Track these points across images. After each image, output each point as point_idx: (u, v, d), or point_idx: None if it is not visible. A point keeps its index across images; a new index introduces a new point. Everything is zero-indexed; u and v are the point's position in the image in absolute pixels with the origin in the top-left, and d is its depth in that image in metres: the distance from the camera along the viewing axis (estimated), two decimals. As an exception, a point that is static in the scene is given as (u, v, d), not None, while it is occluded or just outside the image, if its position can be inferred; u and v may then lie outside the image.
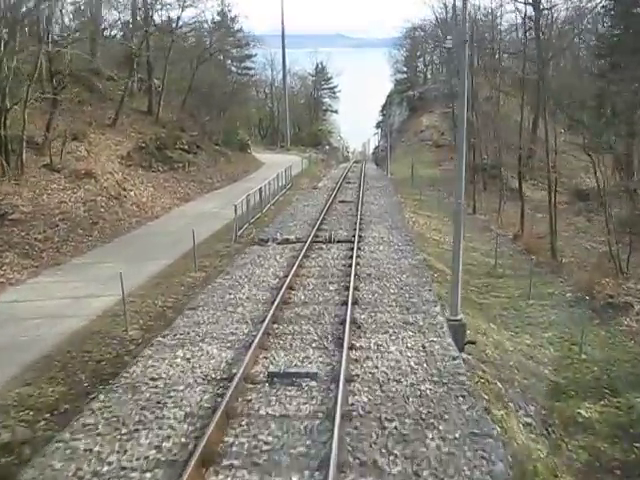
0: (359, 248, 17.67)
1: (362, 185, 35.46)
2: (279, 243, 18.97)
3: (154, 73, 38.10)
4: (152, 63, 36.18)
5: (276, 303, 11.97)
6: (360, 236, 19.54)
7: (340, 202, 28.33)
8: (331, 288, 13.64)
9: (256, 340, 9.99)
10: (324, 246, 18.22)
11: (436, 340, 10.44)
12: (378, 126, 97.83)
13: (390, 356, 9.68)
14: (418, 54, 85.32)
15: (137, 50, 33.27)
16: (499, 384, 11.94)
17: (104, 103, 34.78)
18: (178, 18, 36.25)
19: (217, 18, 51.22)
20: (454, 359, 9.62)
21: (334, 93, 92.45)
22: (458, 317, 12.59)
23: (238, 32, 51.65)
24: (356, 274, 14.56)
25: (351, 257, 16.29)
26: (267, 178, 31.97)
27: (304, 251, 16.99)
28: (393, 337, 10.53)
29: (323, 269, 15.44)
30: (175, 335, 10.93)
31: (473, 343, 12.60)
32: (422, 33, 78.55)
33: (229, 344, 10.32)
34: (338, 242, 18.75)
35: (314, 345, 10.17)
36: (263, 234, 21.22)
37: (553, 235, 27.07)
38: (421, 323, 11.33)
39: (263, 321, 11.03)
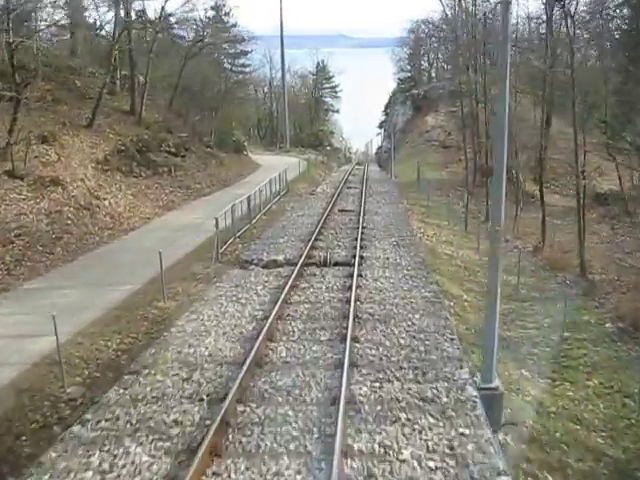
0: (360, 274, 14.39)
1: (364, 190, 32.20)
2: (264, 266, 15.72)
3: (138, 69, 34.82)
4: (135, 58, 32.90)
5: (246, 367, 8.70)
6: (361, 257, 16.27)
7: (340, 211, 25.07)
8: (322, 338, 10.35)
9: (207, 438, 6.74)
10: (317, 271, 14.95)
11: (469, 433, 7.16)
12: (381, 126, 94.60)
13: (402, 470, 6.41)
14: (422, 52, 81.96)
15: (116, 43, 30.01)
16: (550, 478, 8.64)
17: (82, 102, 31.54)
18: (162, 8, 32.94)
19: (210, 12, 48.05)
20: (498, 474, 6.37)
21: (335, 92, 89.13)
22: (493, 384, 9.28)
23: (233, 27, 48.47)
24: (355, 315, 11.29)
25: (350, 288, 13.02)
26: (262, 182, 28.84)
27: (292, 278, 13.73)
28: (406, 429, 7.24)
29: (314, 307, 12.15)
30: (99, 423, 7.67)
31: (514, 424, 9.34)
32: (427, 29, 75.33)
33: (169, 444, 7.04)
34: (335, 265, 15.50)
35: (292, 448, 6.88)
36: (248, 253, 18.01)
37: (581, 248, 23.70)
38: (445, 399, 8.04)
39: (224, 399, 7.78)
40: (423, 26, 74.46)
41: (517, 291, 20.28)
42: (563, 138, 46.40)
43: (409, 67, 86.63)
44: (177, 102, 38.53)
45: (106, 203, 25.03)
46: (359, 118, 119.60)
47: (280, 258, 16.26)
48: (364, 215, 23.54)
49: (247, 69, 54.64)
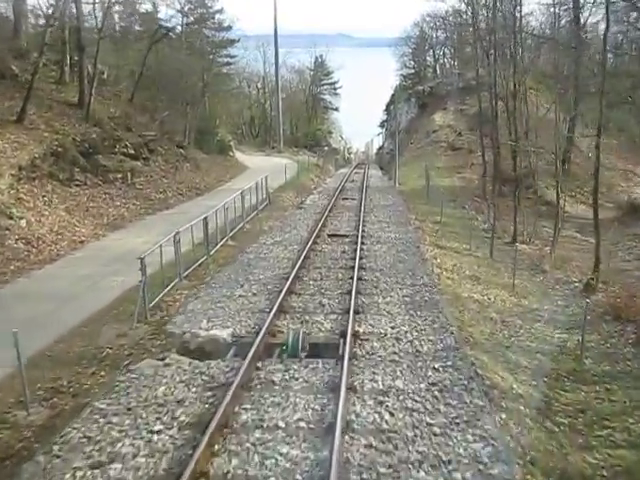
0: (352, 388, 7.95)
1: (363, 202, 25.89)
2: (195, 357, 9.30)
3: (93, 55, 28.37)
4: (83, 40, 26.42)
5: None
6: (356, 336, 9.87)
7: (331, 237, 18.67)
8: None
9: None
10: (280, 374, 8.51)
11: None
12: (382, 125, 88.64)
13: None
14: (427, 47, 75.46)
15: (52, 18, 23.56)
16: None
17: (19, 92, 25.14)
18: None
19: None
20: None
21: (335, 89, 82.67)
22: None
23: (217, 13, 42.10)
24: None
25: (331, 429, 6.70)
26: (243, 189, 22.71)
27: (230, 395, 7.37)
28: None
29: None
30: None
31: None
32: (433, 22, 68.90)
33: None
34: (312, 357, 9.10)
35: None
36: (182, 317, 11.65)
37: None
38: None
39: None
40: (429, 19, 68.18)
41: (578, 363, 13.81)
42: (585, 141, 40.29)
43: (413, 63, 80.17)
44: (144, 95, 32.08)
45: (22, 223, 18.62)
46: (360, 117, 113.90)
47: (223, 336, 9.82)
48: (362, 244, 17.17)
49: (233, 60, 48.12)
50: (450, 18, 60.68)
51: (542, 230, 29.38)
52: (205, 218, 17.27)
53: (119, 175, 25.24)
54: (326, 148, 68.06)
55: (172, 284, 14.42)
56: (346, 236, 18.50)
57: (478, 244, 23.55)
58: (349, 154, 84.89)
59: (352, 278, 13.10)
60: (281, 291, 12.04)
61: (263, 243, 18.09)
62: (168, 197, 26.82)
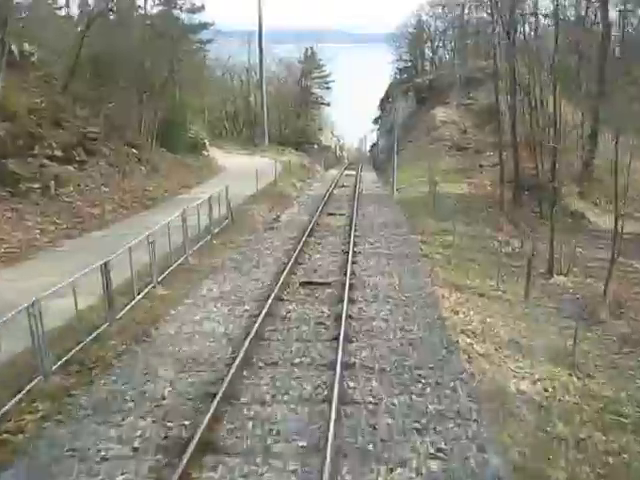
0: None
1: (354, 220, 19.86)
2: None
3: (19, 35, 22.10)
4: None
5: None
6: None
7: (304, 285, 12.51)
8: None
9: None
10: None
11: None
12: (376, 122, 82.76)
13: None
14: (425, 37, 69.24)
15: None
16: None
17: None
18: None
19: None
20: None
21: (326, 83, 76.24)
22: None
23: (189, -8, 35.78)
24: None
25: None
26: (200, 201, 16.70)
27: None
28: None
29: None
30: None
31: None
32: (432, 12, 62.92)
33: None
34: None
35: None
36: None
37: None
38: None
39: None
40: (428, 8, 62.18)
41: None
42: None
43: (409, 55, 73.96)
44: (87, 83, 25.79)
45: None
46: (353, 114, 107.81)
47: None
48: (351, 301, 11.08)
49: (207, 45, 41.74)
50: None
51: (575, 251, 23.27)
52: (130, 249, 11.14)
53: (36, 185, 19.00)
54: (316, 146, 61.88)
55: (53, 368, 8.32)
56: (327, 284, 12.37)
57: (504, 275, 17.52)
58: (341, 152, 78.71)
59: (334, 365, 7.03)
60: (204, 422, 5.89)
61: (202, 296, 11.92)
62: (105, 212, 20.54)
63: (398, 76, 76.60)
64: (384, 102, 79.45)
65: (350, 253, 14.73)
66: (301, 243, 15.99)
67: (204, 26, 37.83)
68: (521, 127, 32.17)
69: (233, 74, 63.27)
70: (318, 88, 76.11)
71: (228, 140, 59.46)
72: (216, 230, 17.72)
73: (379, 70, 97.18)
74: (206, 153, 39.54)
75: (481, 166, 34.28)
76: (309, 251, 15.49)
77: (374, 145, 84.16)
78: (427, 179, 32.76)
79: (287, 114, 67.79)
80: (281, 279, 12.22)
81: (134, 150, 26.78)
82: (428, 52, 68.51)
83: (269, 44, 69.82)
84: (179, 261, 14.48)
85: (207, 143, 40.46)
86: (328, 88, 75.23)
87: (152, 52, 30.13)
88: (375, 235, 17.94)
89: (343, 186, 30.69)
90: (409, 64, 74.87)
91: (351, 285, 12.03)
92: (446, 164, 36.19)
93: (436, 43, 67.24)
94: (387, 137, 57.37)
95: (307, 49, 72.44)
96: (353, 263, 13.86)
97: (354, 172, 42.17)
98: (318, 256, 14.94)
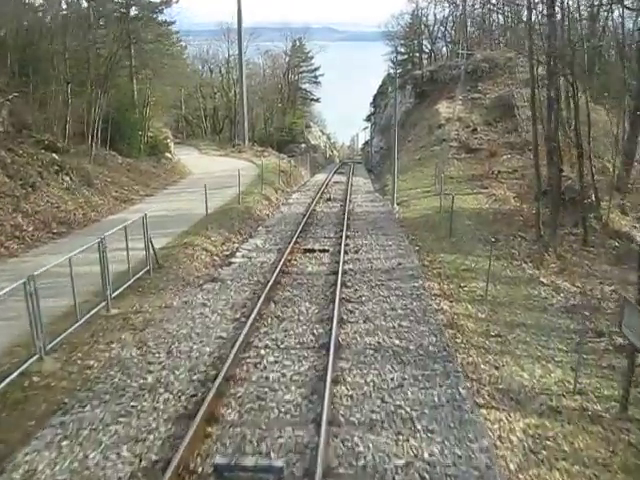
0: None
1: (342, 261, 13.18)
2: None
3: None
4: None
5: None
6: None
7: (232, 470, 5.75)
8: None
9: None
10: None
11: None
12: (368, 119, 76.26)
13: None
14: (423, 27, 62.42)
15: None
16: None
17: None
18: None
19: None
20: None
21: (315, 77, 69.51)
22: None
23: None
24: None
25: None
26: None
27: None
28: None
29: None
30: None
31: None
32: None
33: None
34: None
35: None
36: None
37: None
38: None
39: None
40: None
41: None
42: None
43: (405, 48, 67.19)
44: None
45: None
46: (345, 111, 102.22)
47: None
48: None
49: (172, 27, 34.85)
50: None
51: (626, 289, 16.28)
52: None
53: None
54: (303, 145, 55.10)
55: None
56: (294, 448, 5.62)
57: (568, 355, 10.82)
58: (332, 151, 71.95)
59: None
60: None
61: None
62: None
63: (393, 70, 69.83)
64: (377, 99, 72.88)
65: (332, 349, 8.01)
66: (252, 316, 9.28)
67: (166, 2, 30.95)
68: (546, 125, 25.59)
69: (213, 66, 56.38)
70: (307, 83, 69.41)
71: (206, 139, 52.80)
72: (122, 287, 10.90)
73: (369, 67, 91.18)
74: (170, 156, 32.73)
75: (498, 172, 27.60)
76: (264, 338, 8.74)
77: (366, 143, 77.81)
78: (434, 189, 26.13)
79: (272, 111, 61.09)
80: (186, 441, 5.49)
81: (55, 156, 19.93)
82: (426, 44, 61.58)
83: (253, 41, 63.32)
84: (21, 369, 7.70)
85: (171, 144, 33.61)
86: (317, 82, 68.48)
87: (85, 32, 23.29)
88: (375, 297, 11.24)
89: (330, 200, 23.94)
90: (405, 57, 68.13)
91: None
92: (455, 169, 29.49)
93: (435, 32, 60.40)
94: (382, 136, 50.70)
95: (295, 40, 65.60)
96: (334, 383, 7.13)
97: (344, 177, 35.45)
98: (276, 358, 8.15)
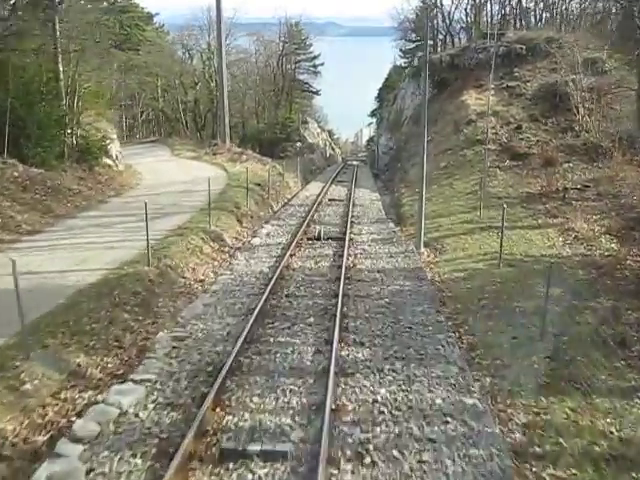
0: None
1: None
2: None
3: None
4: None
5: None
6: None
7: None
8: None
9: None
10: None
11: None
12: (373, 114, 67.92)
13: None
14: (435, 8, 53.06)
15: None
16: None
17: None
18: None
19: None
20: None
21: (315, 67, 60.32)
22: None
23: None
24: None
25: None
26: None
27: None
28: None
29: None
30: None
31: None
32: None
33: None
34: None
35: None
36: None
37: None
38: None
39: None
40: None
41: None
42: None
43: (415, 34, 57.98)
44: None
45: None
46: (348, 107, 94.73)
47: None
48: None
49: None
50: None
51: None
52: None
53: None
54: (298, 144, 46.08)
55: None
56: None
57: None
58: (333, 150, 62.90)
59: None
60: None
61: None
62: None
63: (402, 58, 61.05)
64: (383, 92, 64.12)
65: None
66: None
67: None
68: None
69: (194, 52, 47.36)
70: (305, 73, 60.29)
71: (186, 138, 43.94)
72: None
73: (373, 62, 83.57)
74: (110, 162, 23.85)
75: (565, 190, 18.58)
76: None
77: (371, 140, 69.41)
78: (476, 216, 17.18)
79: (264, 104, 52.17)
80: None
81: None
82: (441, 25, 52.20)
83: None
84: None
85: (114, 146, 24.65)
86: (316, 73, 59.27)
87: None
88: None
89: (319, 238, 14.91)
90: (415, 44, 58.99)
91: None
92: (500, 184, 20.47)
93: (452, 13, 51.01)
94: (390, 134, 41.65)
95: (291, 24, 56.41)
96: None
97: (345, 189, 26.47)
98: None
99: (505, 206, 13.54)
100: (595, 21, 38.98)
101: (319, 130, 55.30)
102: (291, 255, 12.92)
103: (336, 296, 9.86)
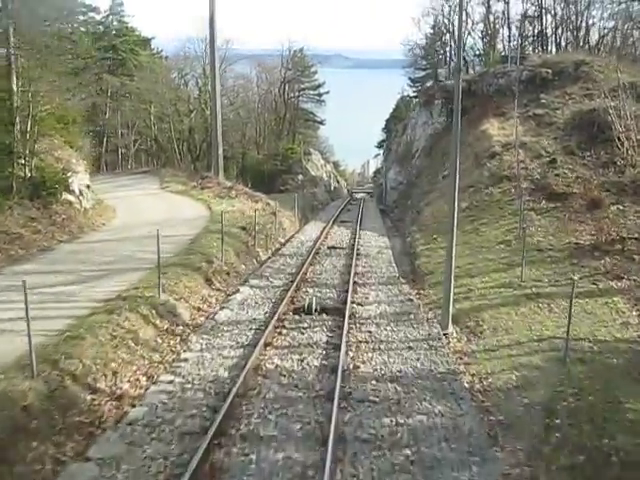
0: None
1: None
2: None
3: None
4: None
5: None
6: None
7: None
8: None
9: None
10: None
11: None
12: (380, 145, 64.71)
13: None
14: (446, 32, 49.94)
15: None
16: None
17: None
18: None
19: None
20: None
21: (319, 95, 57.11)
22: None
23: None
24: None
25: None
26: None
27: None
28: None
29: None
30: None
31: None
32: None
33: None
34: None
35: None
36: None
37: None
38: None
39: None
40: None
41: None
42: None
43: (426, 60, 54.83)
44: None
45: None
46: (356, 138, 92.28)
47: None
48: None
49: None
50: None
51: None
52: None
53: None
54: (300, 177, 42.42)
55: None
56: None
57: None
58: (337, 183, 59.28)
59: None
60: None
61: None
62: None
63: (411, 87, 57.81)
64: (390, 123, 60.81)
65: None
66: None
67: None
68: None
69: (188, 77, 44.15)
70: (309, 102, 57.07)
71: (178, 169, 40.36)
72: None
73: (380, 94, 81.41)
74: (72, 198, 20.06)
75: (622, 240, 14.57)
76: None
77: (378, 172, 66.16)
78: (514, 276, 13.09)
79: (265, 134, 48.77)
80: None
81: None
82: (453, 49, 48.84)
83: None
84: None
85: (76, 178, 20.85)
86: (321, 102, 56.00)
87: None
88: None
89: (307, 311, 10.89)
90: (425, 72, 55.77)
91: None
92: (538, 231, 16.41)
93: (465, 37, 47.62)
94: (400, 167, 37.87)
95: (295, 51, 53.35)
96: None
97: (348, 233, 22.56)
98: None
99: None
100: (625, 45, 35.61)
101: (323, 162, 51.71)
102: (266, 345, 8.90)
103: (324, 443, 5.80)
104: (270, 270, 14.66)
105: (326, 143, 71.59)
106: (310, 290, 12.09)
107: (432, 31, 51.38)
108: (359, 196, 53.76)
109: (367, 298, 12.10)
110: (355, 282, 13.22)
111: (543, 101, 26.91)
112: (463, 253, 15.78)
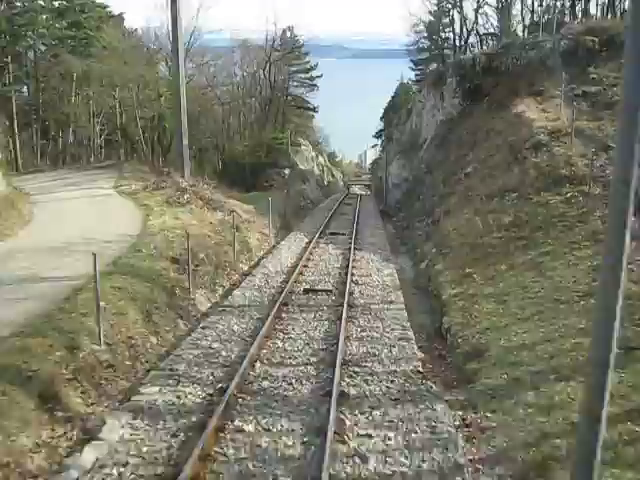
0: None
1: None
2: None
3: None
4: None
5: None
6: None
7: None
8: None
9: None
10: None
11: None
12: (379, 135, 59.76)
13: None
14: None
15: None
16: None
17: None
18: None
19: None
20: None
21: (311, 79, 50.25)
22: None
23: None
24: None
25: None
26: None
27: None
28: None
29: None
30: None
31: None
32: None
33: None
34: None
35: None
36: None
37: None
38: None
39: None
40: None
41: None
42: None
43: (430, 40, 47.99)
44: None
45: None
46: (353, 128, 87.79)
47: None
48: None
49: None
50: None
51: None
52: None
53: None
54: (287, 170, 35.84)
55: None
56: None
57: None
58: (332, 176, 52.64)
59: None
60: None
61: None
62: None
63: (416, 67, 51.11)
64: (389, 112, 54.44)
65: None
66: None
67: None
68: None
69: (158, 56, 37.37)
70: (300, 86, 50.25)
71: (144, 162, 33.84)
72: None
73: (378, 85, 75.92)
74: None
75: None
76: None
77: (376, 162, 60.12)
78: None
79: (249, 123, 42.15)
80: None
81: None
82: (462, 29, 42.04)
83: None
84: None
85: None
86: (313, 86, 49.19)
87: None
88: None
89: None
90: (430, 53, 48.94)
91: None
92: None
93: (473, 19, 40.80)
94: (404, 159, 31.23)
95: (284, 29, 46.52)
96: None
97: (340, 250, 16.05)
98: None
99: None
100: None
101: (314, 154, 44.95)
102: None
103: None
104: (193, 354, 8.10)
105: (321, 133, 65.23)
106: (249, 428, 5.56)
107: (436, 8, 44.86)
108: (356, 191, 47.42)
109: (367, 430, 5.58)
110: (342, 394, 6.70)
111: (593, 76, 20.31)
112: (508, 310, 9.23)
